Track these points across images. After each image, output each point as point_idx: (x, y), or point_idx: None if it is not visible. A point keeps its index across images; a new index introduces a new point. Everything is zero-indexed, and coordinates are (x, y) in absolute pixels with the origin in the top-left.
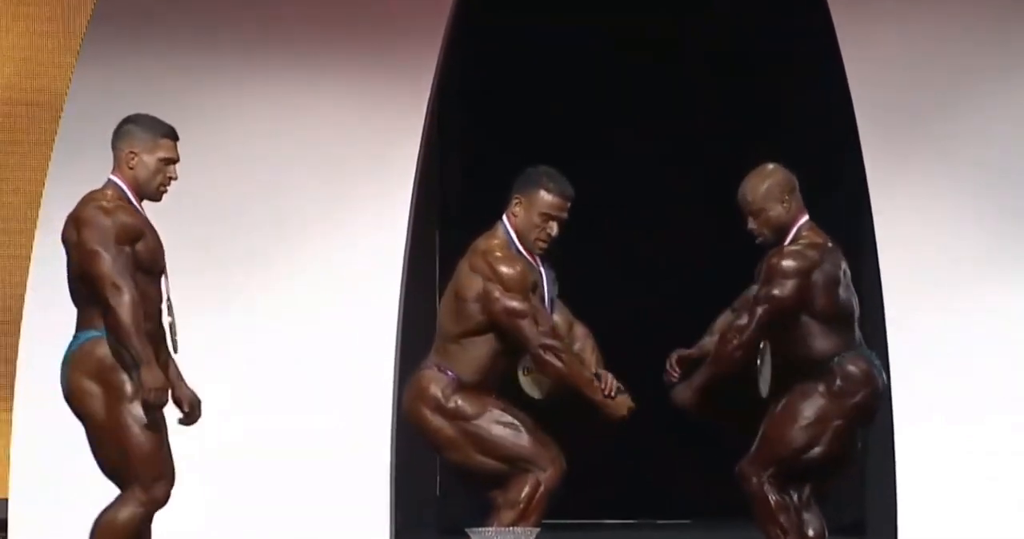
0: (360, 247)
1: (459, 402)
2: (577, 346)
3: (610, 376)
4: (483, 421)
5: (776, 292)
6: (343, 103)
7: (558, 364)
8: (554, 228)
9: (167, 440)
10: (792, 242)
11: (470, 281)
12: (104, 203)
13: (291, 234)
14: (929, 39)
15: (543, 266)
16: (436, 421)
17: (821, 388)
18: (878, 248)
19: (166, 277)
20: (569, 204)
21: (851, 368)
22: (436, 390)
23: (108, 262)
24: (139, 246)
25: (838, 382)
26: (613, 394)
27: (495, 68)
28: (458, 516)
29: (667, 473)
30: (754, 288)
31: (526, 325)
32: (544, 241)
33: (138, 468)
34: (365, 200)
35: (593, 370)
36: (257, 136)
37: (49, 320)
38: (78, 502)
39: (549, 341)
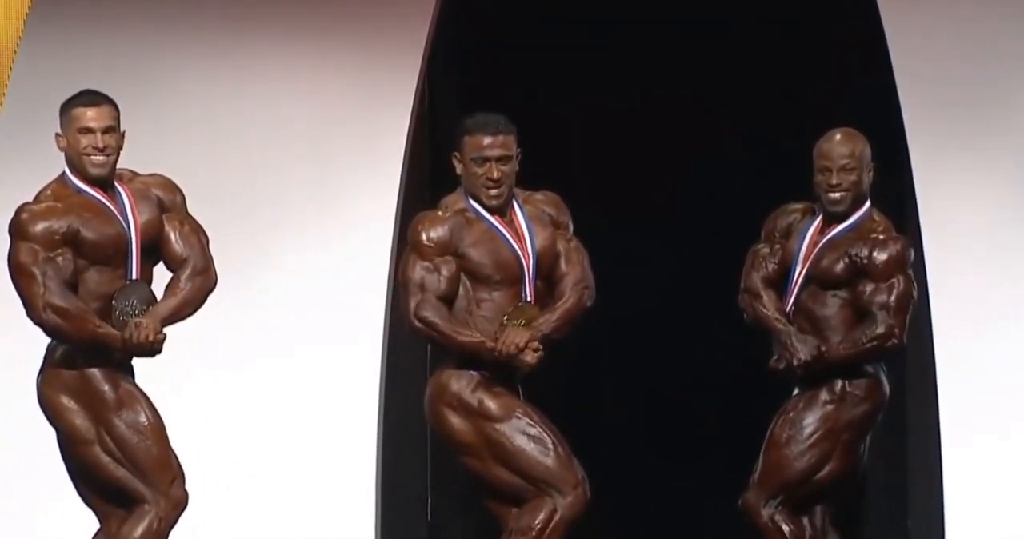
0: (346, 238)
1: (484, 400)
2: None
3: (508, 338)
4: (507, 427)
5: (912, 286)
6: (329, 75)
7: (434, 335)
8: (492, 171)
9: (167, 436)
10: (881, 226)
11: None
12: (33, 206)
13: (268, 226)
14: (977, 14)
15: (522, 215)
16: (456, 422)
17: (824, 395)
18: (924, 245)
19: (135, 260)
20: (501, 137)
21: (857, 372)
22: (457, 386)
23: (37, 280)
24: (81, 239)
25: (844, 387)
26: (505, 357)
27: (489, 43)
28: None
29: (693, 499)
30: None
31: (406, 296)
32: (490, 188)
33: (150, 475)
34: (352, 187)
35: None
36: (234, 114)
37: None
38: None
39: (422, 314)
